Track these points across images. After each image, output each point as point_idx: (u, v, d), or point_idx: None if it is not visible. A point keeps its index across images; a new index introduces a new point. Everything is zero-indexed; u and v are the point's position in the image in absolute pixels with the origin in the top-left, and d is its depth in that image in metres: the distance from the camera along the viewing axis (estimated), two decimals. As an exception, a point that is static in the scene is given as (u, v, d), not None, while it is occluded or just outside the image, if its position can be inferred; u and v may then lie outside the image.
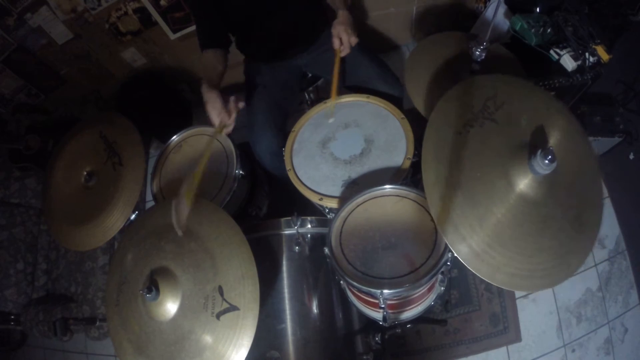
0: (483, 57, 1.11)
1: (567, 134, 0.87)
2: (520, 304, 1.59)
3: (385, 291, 0.85)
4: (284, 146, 1.25)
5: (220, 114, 1.12)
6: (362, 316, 1.15)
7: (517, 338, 1.55)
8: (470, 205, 0.78)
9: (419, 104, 1.19)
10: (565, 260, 0.78)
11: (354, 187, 1.09)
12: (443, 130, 0.86)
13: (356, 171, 1.12)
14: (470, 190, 0.79)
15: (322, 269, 1.14)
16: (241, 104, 1.18)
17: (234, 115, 1.15)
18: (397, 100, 1.35)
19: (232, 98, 1.16)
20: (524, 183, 0.78)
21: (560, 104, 0.91)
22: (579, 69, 1.30)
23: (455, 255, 0.78)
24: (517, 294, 1.60)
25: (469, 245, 0.77)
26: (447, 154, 0.83)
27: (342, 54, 1.22)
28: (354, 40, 1.20)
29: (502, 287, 0.83)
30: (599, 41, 1.27)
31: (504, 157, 0.82)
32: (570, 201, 0.82)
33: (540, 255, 0.77)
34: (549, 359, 1.52)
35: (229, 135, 1.30)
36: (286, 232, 1.14)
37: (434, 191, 0.81)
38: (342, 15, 1.23)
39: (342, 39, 1.19)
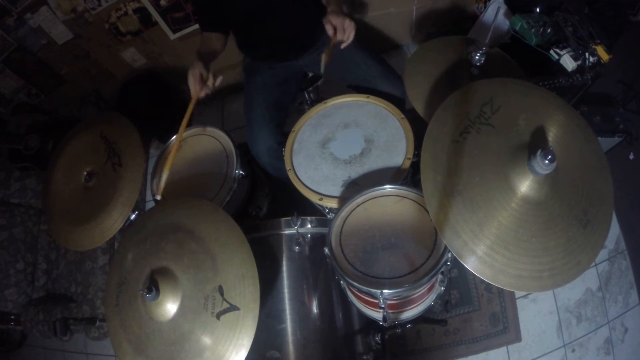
0: (482, 61, 1.11)
1: (567, 129, 0.87)
2: (520, 304, 1.59)
3: (385, 291, 0.85)
4: (284, 146, 1.25)
5: (195, 81, 1.19)
6: (362, 316, 1.15)
7: (517, 338, 1.55)
8: (470, 211, 0.78)
9: (420, 109, 1.19)
10: (574, 258, 0.78)
11: (354, 187, 1.09)
12: (440, 140, 0.86)
13: (356, 171, 1.12)
14: (470, 195, 0.80)
15: (322, 269, 1.14)
16: (219, 79, 1.24)
17: (208, 86, 1.22)
18: (399, 101, 1.35)
19: (212, 73, 1.23)
20: (525, 185, 0.78)
21: (560, 100, 0.91)
22: (579, 69, 1.30)
23: (457, 257, 0.78)
24: (517, 294, 1.60)
25: (471, 249, 0.77)
26: (444, 163, 0.84)
27: (340, 38, 1.18)
28: (348, 23, 1.15)
29: (509, 289, 0.83)
30: (599, 41, 1.27)
31: (503, 160, 0.82)
32: (576, 198, 0.81)
33: (547, 255, 0.76)
34: (549, 359, 1.52)
35: (229, 136, 1.31)
36: (286, 232, 1.14)
37: (433, 200, 0.81)
38: (333, 8, 1.20)
39: (336, 26, 1.16)
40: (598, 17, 1.35)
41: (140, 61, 2.19)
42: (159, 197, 1.11)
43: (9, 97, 2.16)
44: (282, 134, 1.26)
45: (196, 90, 1.20)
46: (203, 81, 1.20)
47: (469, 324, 1.59)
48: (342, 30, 1.16)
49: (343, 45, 1.21)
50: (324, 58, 1.22)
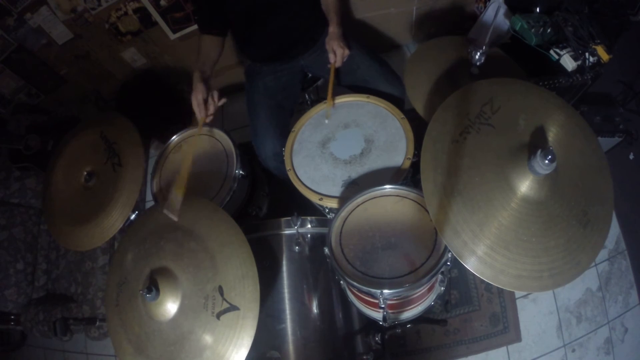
0: (482, 60, 1.11)
1: (567, 129, 0.87)
2: (520, 304, 1.59)
3: (385, 291, 0.85)
4: (284, 146, 1.25)
5: (199, 107, 1.21)
6: (362, 316, 1.15)
7: (517, 338, 1.55)
8: (470, 211, 0.79)
9: (420, 109, 1.19)
10: (574, 258, 0.78)
11: (354, 187, 1.09)
12: (440, 140, 0.87)
13: (356, 171, 1.12)
14: (470, 195, 0.80)
15: (322, 269, 1.14)
16: (222, 101, 1.26)
17: (212, 110, 1.24)
18: (398, 101, 1.35)
19: (213, 93, 1.24)
20: (525, 185, 0.78)
21: (560, 100, 0.91)
22: (579, 69, 1.29)
23: (457, 257, 0.78)
24: (517, 294, 1.60)
25: (471, 249, 0.77)
26: (444, 164, 0.84)
27: (337, 65, 1.31)
28: (346, 52, 1.30)
29: (509, 289, 0.83)
30: (599, 41, 1.26)
31: (503, 160, 0.82)
32: (576, 198, 0.81)
33: (547, 255, 0.76)
34: (549, 359, 1.52)
35: (229, 136, 1.31)
36: (286, 232, 1.14)
37: (433, 200, 0.81)
38: (333, 31, 1.32)
39: (337, 53, 1.28)
40: (598, 17, 1.35)
41: (140, 61, 2.19)
42: (175, 218, 0.97)
43: (9, 97, 2.16)
44: (287, 137, 1.27)
45: (202, 116, 1.23)
46: (207, 106, 1.22)
47: (469, 324, 1.59)
48: (340, 59, 1.29)
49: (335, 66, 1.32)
50: (330, 87, 1.28)
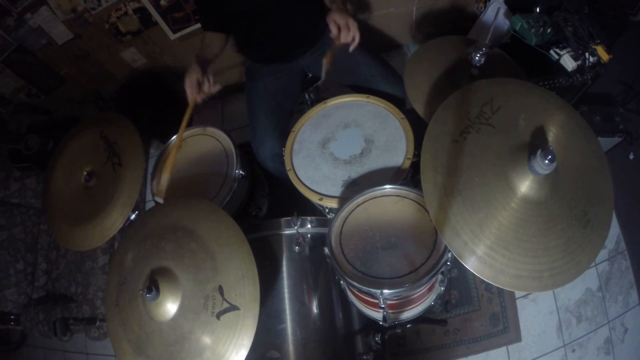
0: (483, 61, 1.11)
1: (567, 129, 0.87)
2: (520, 304, 1.59)
3: (385, 291, 0.85)
4: (284, 146, 1.25)
5: (192, 87, 1.22)
6: (362, 316, 1.15)
7: (517, 338, 1.55)
8: (470, 211, 0.78)
9: (420, 109, 1.19)
10: (574, 258, 0.78)
11: (354, 187, 1.09)
12: (440, 140, 0.86)
13: (356, 171, 1.12)
14: (470, 195, 0.80)
15: (322, 269, 1.14)
16: (215, 88, 1.26)
17: (205, 89, 1.24)
18: (399, 101, 1.35)
19: (209, 76, 1.25)
20: (525, 185, 0.78)
21: (560, 100, 0.91)
22: (579, 69, 1.30)
23: (456, 257, 0.78)
24: (517, 294, 1.60)
25: (471, 249, 0.77)
26: (444, 163, 0.84)
27: (344, 40, 1.16)
28: (352, 22, 1.14)
29: (509, 289, 0.83)
30: (599, 41, 1.26)
31: (503, 160, 0.82)
32: (576, 198, 0.81)
33: (547, 255, 0.76)
34: (549, 359, 1.52)
35: (229, 136, 1.31)
36: (286, 232, 1.14)
37: (433, 200, 0.81)
38: (336, 7, 1.22)
39: (340, 24, 1.14)
40: (598, 17, 1.35)
41: (140, 61, 2.19)
42: (161, 200, 1.09)
43: (9, 97, 2.16)
44: (286, 138, 1.27)
45: (193, 95, 1.23)
46: (200, 86, 1.23)
47: (469, 324, 1.59)
48: (346, 29, 1.14)
49: (351, 49, 1.20)
50: (325, 63, 1.23)
